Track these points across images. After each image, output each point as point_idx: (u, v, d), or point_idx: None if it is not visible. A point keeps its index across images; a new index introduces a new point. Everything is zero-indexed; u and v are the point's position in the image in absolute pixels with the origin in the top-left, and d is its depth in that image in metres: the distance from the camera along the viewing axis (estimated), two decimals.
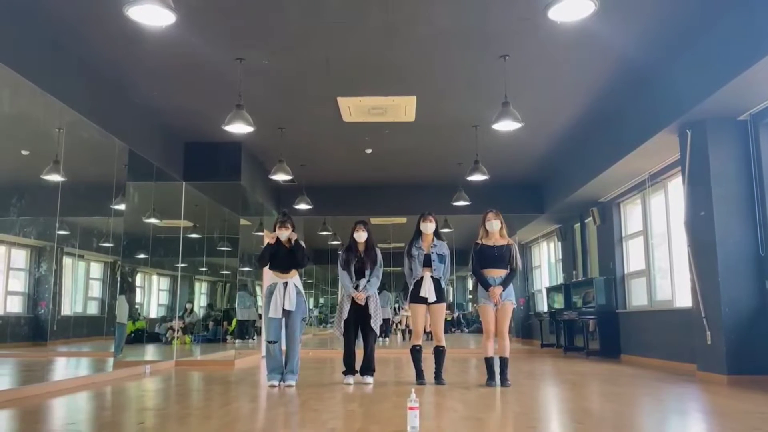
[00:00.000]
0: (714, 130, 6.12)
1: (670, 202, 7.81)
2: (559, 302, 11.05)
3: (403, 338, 14.47)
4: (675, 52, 5.84)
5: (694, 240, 6.36)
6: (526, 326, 13.99)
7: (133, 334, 8.34)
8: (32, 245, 6.18)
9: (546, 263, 13.45)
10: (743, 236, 6.00)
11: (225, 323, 11.01)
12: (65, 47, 5.62)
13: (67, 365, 6.90)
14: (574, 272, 10.96)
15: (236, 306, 10.96)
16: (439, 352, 5.75)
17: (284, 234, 5.74)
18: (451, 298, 16.43)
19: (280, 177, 8.15)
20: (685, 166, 6.48)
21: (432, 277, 5.74)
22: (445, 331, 6.01)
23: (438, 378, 5.64)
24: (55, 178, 5.92)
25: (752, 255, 5.97)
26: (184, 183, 8.54)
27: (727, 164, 6.11)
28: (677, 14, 5.13)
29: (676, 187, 7.53)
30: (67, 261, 6.68)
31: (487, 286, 5.55)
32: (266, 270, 5.95)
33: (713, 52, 5.40)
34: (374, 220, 12.09)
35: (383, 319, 6.92)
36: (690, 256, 6.40)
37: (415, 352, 5.78)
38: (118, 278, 7.49)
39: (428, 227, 5.86)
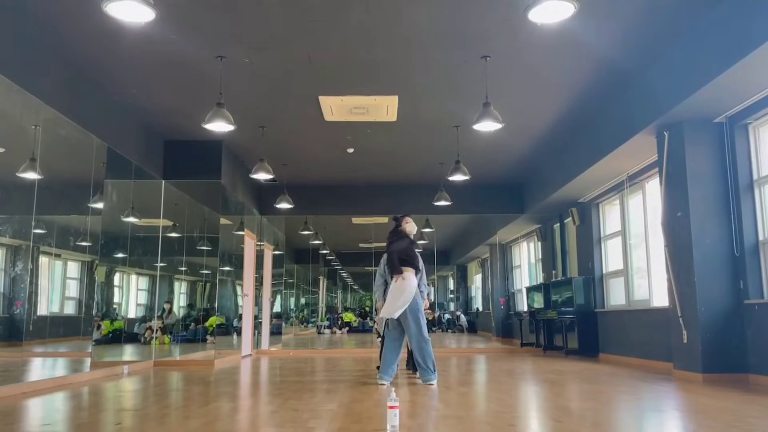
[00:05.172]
0: (691, 132, 6.21)
1: (648, 202, 7.91)
2: (539, 302, 11.14)
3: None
4: (653, 55, 5.92)
5: (671, 240, 6.45)
6: (506, 325, 14.08)
7: (111, 334, 8.24)
8: (7, 244, 6.08)
9: (526, 263, 13.54)
10: (719, 237, 6.10)
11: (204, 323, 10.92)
12: (42, 43, 5.54)
13: (43, 365, 6.79)
14: (553, 272, 11.05)
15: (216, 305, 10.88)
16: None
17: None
18: (432, 298, 16.48)
19: (261, 176, 8.12)
20: (663, 167, 6.57)
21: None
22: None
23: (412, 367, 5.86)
24: (32, 175, 5.84)
25: (727, 255, 6.07)
26: (163, 181, 8.46)
27: (703, 166, 6.20)
28: (655, 18, 5.20)
29: (654, 188, 7.63)
30: (43, 260, 6.58)
31: None
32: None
33: (690, 56, 5.48)
34: (355, 220, 12.10)
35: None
36: (667, 256, 6.49)
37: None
38: (96, 278, 7.40)
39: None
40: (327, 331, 16.72)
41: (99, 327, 7.69)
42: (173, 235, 9.09)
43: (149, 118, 7.61)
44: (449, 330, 16.84)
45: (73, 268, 7.45)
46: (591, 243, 9.50)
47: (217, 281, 9.70)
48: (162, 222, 8.67)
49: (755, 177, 6.03)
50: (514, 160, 9.61)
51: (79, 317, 7.40)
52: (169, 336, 9.90)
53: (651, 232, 7.78)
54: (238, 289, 10.52)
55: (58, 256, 6.96)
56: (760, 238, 5.94)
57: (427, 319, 5.96)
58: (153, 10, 4.38)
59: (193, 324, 10.67)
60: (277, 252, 12.65)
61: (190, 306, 11.28)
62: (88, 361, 6.80)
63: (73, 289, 7.52)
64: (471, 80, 6.42)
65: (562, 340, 9.97)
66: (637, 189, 8.18)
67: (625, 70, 6.25)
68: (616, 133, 7.06)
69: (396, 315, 5.60)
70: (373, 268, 13.53)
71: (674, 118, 6.09)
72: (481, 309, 15.55)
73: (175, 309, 10.36)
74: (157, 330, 9.27)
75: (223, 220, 9.10)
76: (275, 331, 12.52)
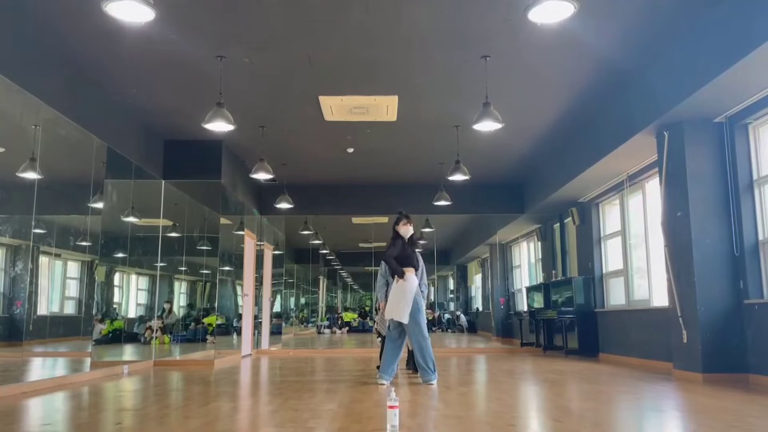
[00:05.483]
0: (691, 131, 6.21)
1: (648, 202, 7.91)
2: (538, 301, 11.14)
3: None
4: (653, 55, 5.92)
5: (671, 240, 6.45)
6: (506, 325, 14.08)
7: (110, 334, 8.24)
8: (7, 244, 6.08)
9: (526, 263, 13.54)
10: (719, 237, 6.10)
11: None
12: (42, 43, 5.54)
13: (43, 365, 6.79)
14: (553, 272, 11.05)
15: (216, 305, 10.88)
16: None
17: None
18: (432, 298, 16.50)
19: (261, 176, 8.12)
20: (663, 167, 6.57)
21: None
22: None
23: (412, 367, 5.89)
24: (31, 175, 5.84)
25: (727, 255, 6.07)
26: (163, 181, 8.46)
27: (703, 165, 6.20)
28: (655, 18, 5.20)
29: (654, 188, 7.63)
30: (43, 260, 6.58)
31: None
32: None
33: (690, 56, 5.48)
34: (355, 220, 12.10)
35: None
36: (667, 256, 6.49)
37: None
38: (96, 278, 7.40)
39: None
40: (327, 330, 16.72)
41: (102, 321, 7.72)
42: (173, 235, 9.09)
43: (149, 118, 7.61)
44: (449, 330, 16.84)
45: (73, 268, 7.45)
46: (591, 243, 9.50)
47: (217, 281, 9.70)
48: (162, 222, 8.67)
49: (755, 177, 6.03)
50: (514, 160, 9.61)
51: (79, 317, 7.40)
52: (169, 336, 9.90)
53: (651, 232, 7.78)
54: (238, 288, 10.53)
55: (58, 256, 6.95)
56: (760, 238, 5.94)
57: (426, 318, 5.97)
58: (153, 10, 4.38)
59: (193, 324, 10.67)
60: (277, 252, 12.66)
61: (190, 306, 11.28)
62: (88, 360, 6.80)
63: (73, 289, 7.52)
64: (471, 80, 6.42)
65: (562, 340, 9.97)
66: (637, 189, 8.18)
67: (625, 70, 6.25)
68: (616, 133, 7.06)
69: (406, 319, 5.59)
70: (373, 268, 13.55)
71: (674, 118, 6.09)
72: (481, 309, 15.55)
73: (175, 309, 10.36)
74: (157, 330, 9.27)
75: (223, 220, 9.11)
76: (275, 331, 12.52)
